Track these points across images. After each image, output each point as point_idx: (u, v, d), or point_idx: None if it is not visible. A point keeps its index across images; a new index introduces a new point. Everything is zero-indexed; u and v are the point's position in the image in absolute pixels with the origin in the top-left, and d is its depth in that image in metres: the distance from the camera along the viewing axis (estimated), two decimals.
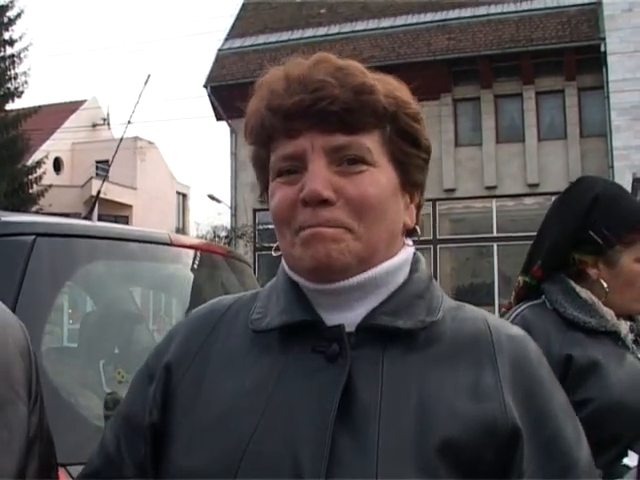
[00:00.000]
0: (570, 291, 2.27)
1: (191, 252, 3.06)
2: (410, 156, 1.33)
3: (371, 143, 1.27)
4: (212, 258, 3.30)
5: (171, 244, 2.97)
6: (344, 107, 1.23)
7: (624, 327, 2.27)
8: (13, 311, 2.06)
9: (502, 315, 2.38)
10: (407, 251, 1.36)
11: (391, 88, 1.32)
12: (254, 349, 1.31)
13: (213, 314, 1.42)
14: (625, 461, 1.73)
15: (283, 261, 1.37)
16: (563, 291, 2.28)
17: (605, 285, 2.27)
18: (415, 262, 1.36)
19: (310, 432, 1.16)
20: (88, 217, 3.44)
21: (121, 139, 3.94)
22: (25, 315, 2.13)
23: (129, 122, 3.79)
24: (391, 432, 1.15)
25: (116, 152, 4.03)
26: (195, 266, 3.09)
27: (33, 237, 2.24)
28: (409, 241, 1.39)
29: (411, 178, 1.35)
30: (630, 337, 2.28)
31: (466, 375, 1.23)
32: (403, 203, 1.34)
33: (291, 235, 1.27)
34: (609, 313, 2.25)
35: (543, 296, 2.32)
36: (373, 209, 1.25)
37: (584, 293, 2.26)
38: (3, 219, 2.25)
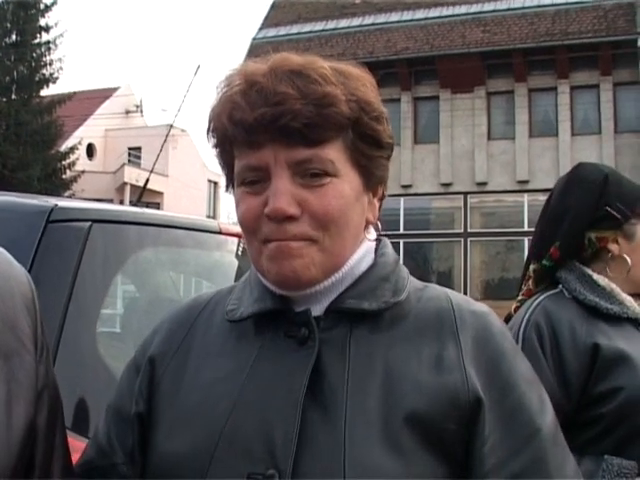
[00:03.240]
0: (587, 278, 2.28)
1: (236, 240, 3.09)
2: (373, 158, 1.35)
3: (334, 153, 1.28)
4: None
5: (220, 232, 3.02)
6: (306, 122, 1.24)
7: None
8: (69, 296, 2.13)
9: (521, 303, 2.38)
10: (366, 245, 1.39)
11: (352, 87, 1.31)
12: (230, 338, 1.37)
13: (193, 309, 1.49)
14: None
15: None
16: (580, 279, 2.28)
17: (629, 259, 2.31)
18: (382, 247, 1.42)
19: (282, 411, 1.22)
20: (136, 204, 3.49)
21: (170, 128, 3.96)
22: (81, 300, 2.20)
23: (179, 109, 3.83)
24: (358, 407, 1.21)
25: (165, 140, 4.07)
26: (240, 254, 3.13)
27: (89, 223, 2.28)
28: (372, 234, 1.42)
29: (374, 178, 1.37)
30: None
31: (430, 351, 1.28)
32: (367, 201, 1.38)
33: (258, 244, 1.30)
34: (628, 299, 2.26)
35: (560, 285, 2.32)
36: (337, 221, 1.28)
37: (602, 280, 2.27)
38: (60, 204, 2.28)
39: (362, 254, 1.37)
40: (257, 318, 1.35)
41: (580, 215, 2.32)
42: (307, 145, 1.25)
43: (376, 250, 1.42)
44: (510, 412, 1.25)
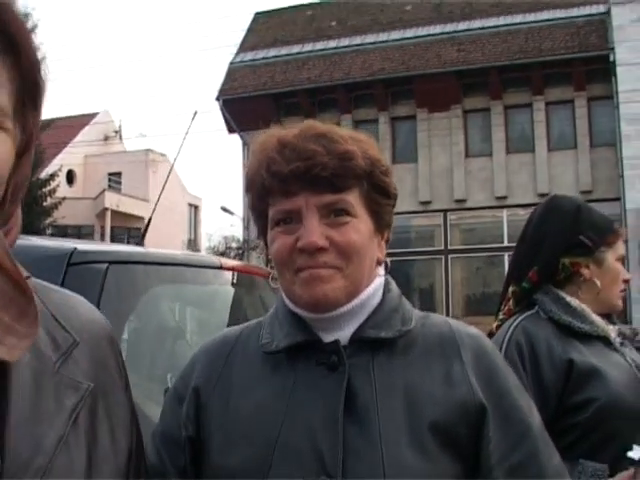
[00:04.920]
0: (562, 300, 2.51)
1: (237, 275, 3.28)
2: (383, 205, 1.65)
3: (353, 199, 1.57)
4: (254, 279, 3.52)
5: (221, 267, 3.20)
6: (332, 172, 1.52)
7: (613, 331, 2.53)
8: None
9: (502, 322, 2.59)
10: (379, 279, 1.67)
11: (365, 148, 1.61)
12: (267, 367, 1.61)
13: (227, 341, 1.72)
14: (630, 454, 1.91)
15: (282, 294, 1.67)
16: (555, 301, 2.52)
17: (598, 283, 2.55)
18: (387, 284, 1.69)
19: (325, 426, 1.46)
20: (140, 242, 3.64)
21: (172, 168, 4.08)
22: None
23: (179, 149, 3.98)
24: (388, 419, 1.47)
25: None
26: (239, 286, 3.30)
27: (106, 265, 2.45)
28: (381, 271, 1.69)
29: (383, 222, 1.67)
30: (618, 340, 2.54)
31: (439, 368, 1.55)
32: (376, 242, 1.65)
33: (290, 275, 1.57)
34: (597, 319, 2.50)
35: (536, 306, 2.54)
36: (357, 252, 1.56)
37: (574, 302, 2.51)
38: (79, 248, 2.43)
39: (376, 287, 1.64)
40: (290, 349, 1.58)
41: (556, 242, 2.54)
42: (333, 191, 1.54)
43: (384, 287, 1.67)
44: (506, 413, 1.53)
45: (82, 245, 2.51)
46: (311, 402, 1.50)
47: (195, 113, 4.08)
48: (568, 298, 2.52)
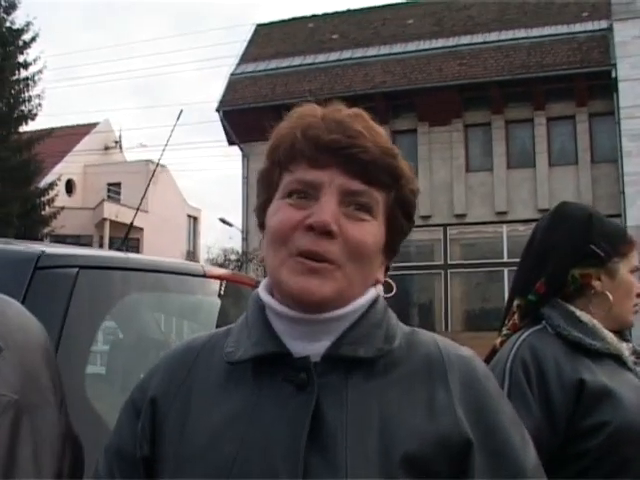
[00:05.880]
0: (571, 315, 2.31)
1: (222, 283, 3.13)
2: (401, 225, 1.48)
3: (380, 199, 1.40)
4: (240, 289, 3.37)
5: (204, 275, 3.05)
6: (371, 159, 1.37)
7: (626, 349, 2.33)
8: (58, 341, 2.14)
9: (507, 337, 2.40)
10: (371, 293, 1.46)
11: (406, 162, 1.47)
12: (230, 381, 1.41)
13: (191, 351, 1.51)
14: None
15: (254, 296, 1.49)
16: (564, 315, 2.32)
17: (610, 296, 2.34)
18: (374, 298, 1.48)
19: (285, 456, 1.26)
20: (121, 247, 3.50)
21: (157, 166, 3.99)
22: (70, 344, 2.21)
23: (163, 148, 3.88)
24: (357, 450, 1.26)
25: (150, 179, 4.11)
26: (225, 296, 3.16)
27: (76, 269, 2.31)
28: (380, 289, 1.51)
29: (394, 244, 1.49)
30: (631, 359, 2.34)
31: (421, 395, 1.34)
32: (380, 261, 1.46)
33: (284, 255, 1.37)
34: (610, 336, 2.30)
35: (544, 321, 2.35)
36: (365, 255, 1.38)
37: (585, 316, 2.31)
38: (48, 251, 2.30)
39: (364, 303, 1.43)
40: (256, 361, 1.38)
41: (565, 252, 2.36)
42: (364, 180, 1.37)
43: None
44: (498, 452, 1.32)
45: (51, 248, 2.38)
46: (274, 424, 1.31)
47: (181, 111, 3.99)
48: (578, 312, 2.32)
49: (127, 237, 3.59)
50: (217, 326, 3.27)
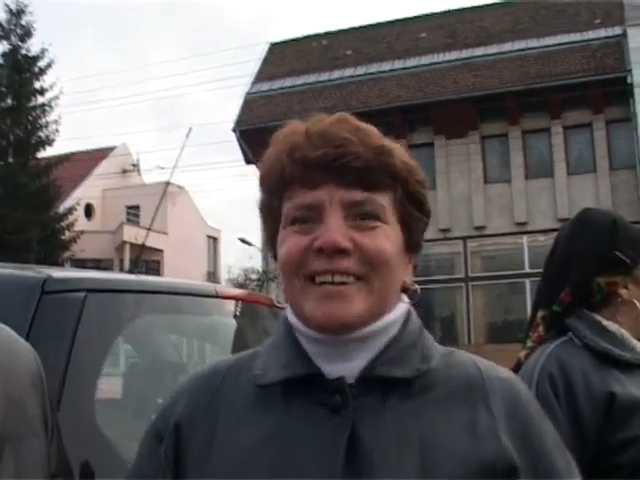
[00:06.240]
0: (597, 325, 2.24)
1: (236, 303, 3.08)
2: (416, 219, 1.40)
3: (386, 202, 1.32)
4: (255, 308, 3.32)
5: (216, 296, 3.00)
6: (365, 165, 1.28)
7: None
8: (66, 366, 2.11)
9: (532, 350, 2.33)
10: (403, 306, 1.39)
11: (400, 154, 1.37)
12: (259, 404, 1.33)
13: (216, 374, 1.45)
14: None
15: (282, 317, 1.43)
16: (590, 326, 2.24)
17: (638, 304, 2.27)
18: (408, 314, 1.40)
19: None
20: (133, 269, 3.49)
21: (167, 185, 3.97)
22: (77, 370, 2.17)
23: (173, 168, 3.87)
24: (396, 475, 1.18)
25: (162, 198, 4.11)
26: (238, 315, 3.11)
27: (84, 294, 2.27)
28: (405, 298, 1.43)
29: (414, 240, 1.40)
30: None
31: (462, 417, 1.27)
32: (405, 262, 1.39)
33: (301, 283, 1.30)
34: (639, 345, 2.22)
35: (570, 333, 2.27)
36: (387, 262, 1.29)
37: (612, 326, 2.23)
38: (55, 275, 2.27)
39: (398, 316, 1.36)
40: (285, 383, 1.31)
41: (590, 260, 2.29)
42: (363, 188, 1.29)
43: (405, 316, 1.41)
44: (544, 477, 1.26)
45: (58, 272, 2.34)
46: (306, 450, 1.23)
47: (189, 130, 3.98)
48: (605, 322, 2.24)
49: (139, 259, 3.58)
50: (233, 346, 3.25)
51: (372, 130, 1.37)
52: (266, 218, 1.42)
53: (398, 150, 1.37)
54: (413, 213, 1.38)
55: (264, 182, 1.39)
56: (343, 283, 1.27)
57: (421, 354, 1.33)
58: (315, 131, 1.33)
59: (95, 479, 2.06)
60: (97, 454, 2.18)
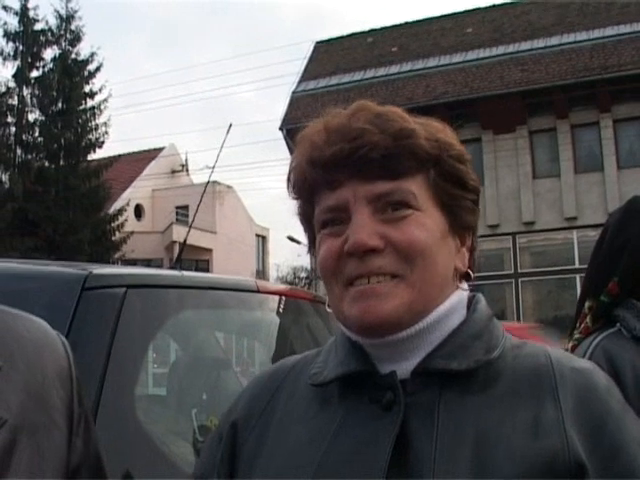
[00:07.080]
0: None
1: (277, 298, 3.08)
2: (457, 198, 1.31)
3: (415, 188, 1.25)
4: (298, 303, 3.32)
5: (258, 291, 3.00)
6: (384, 153, 1.22)
7: None
8: (106, 362, 2.12)
9: (579, 342, 2.29)
10: (459, 294, 1.33)
11: (433, 131, 1.31)
12: (314, 403, 1.31)
13: (278, 373, 1.44)
14: None
15: None
16: (639, 316, 2.20)
17: None
18: (475, 302, 1.35)
19: None
20: (175, 266, 3.50)
21: (206, 184, 3.99)
22: (118, 366, 2.18)
23: (212, 167, 3.88)
24: (447, 476, 1.12)
25: (201, 197, 4.16)
26: (281, 311, 3.11)
27: (124, 289, 2.29)
28: (464, 285, 1.37)
29: (460, 220, 1.33)
30: None
31: (526, 413, 1.18)
32: (454, 246, 1.32)
33: (339, 289, 1.26)
34: None
35: (618, 324, 2.23)
36: (422, 253, 1.23)
37: None
38: (95, 272, 2.28)
39: (453, 305, 1.30)
40: (341, 382, 1.29)
41: (639, 249, 2.25)
42: (387, 178, 1.24)
43: (469, 305, 1.35)
44: (621, 477, 1.13)
45: (98, 269, 2.35)
46: (353, 449, 1.19)
47: (230, 126, 3.97)
48: None
49: (180, 256, 3.58)
50: (276, 341, 3.25)
51: (394, 113, 1.30)
52: (304, 224, 1.40)
53: (424, 128, 1.30)
54: (453, 192, 1.30)
55: (292, 190, 1.37)
56: (378, 282, 1.22)
57: (486, 345, 1.26)
58: (332, 127, 1.29)
59: (134, 478, 2.06)
60: (139, 450, 2.19)
